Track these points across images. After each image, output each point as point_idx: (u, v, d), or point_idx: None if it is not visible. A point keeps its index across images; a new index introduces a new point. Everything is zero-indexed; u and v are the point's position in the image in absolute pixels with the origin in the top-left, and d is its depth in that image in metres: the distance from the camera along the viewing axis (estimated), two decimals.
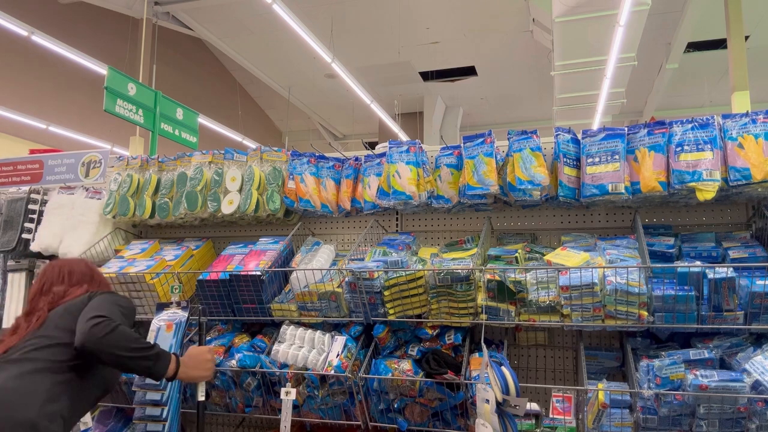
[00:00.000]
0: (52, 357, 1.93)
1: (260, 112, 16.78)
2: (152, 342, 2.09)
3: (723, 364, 2.07)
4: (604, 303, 2.07)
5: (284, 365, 2.40)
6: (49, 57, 9.37)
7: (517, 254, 2.36)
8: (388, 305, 2.33)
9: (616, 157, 2.26)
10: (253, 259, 2.65)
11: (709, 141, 2.15)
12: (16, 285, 3.18)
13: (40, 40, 8.36)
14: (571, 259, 2.17)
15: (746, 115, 2.18)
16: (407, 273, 2.29)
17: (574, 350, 2.56)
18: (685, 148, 2.18)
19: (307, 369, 2.36)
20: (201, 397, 2.27)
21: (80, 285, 2.18)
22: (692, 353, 2.03)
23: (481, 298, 2.22)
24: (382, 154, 2.73)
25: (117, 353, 1.87)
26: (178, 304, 2.51)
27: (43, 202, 3.27)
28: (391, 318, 2.34)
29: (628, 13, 7.14)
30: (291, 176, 2.80)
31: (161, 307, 2.52)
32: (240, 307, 2.60)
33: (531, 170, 2.33)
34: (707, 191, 2.11)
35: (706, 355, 2.02)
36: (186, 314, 2.43)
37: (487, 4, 10.37)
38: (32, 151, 4.03)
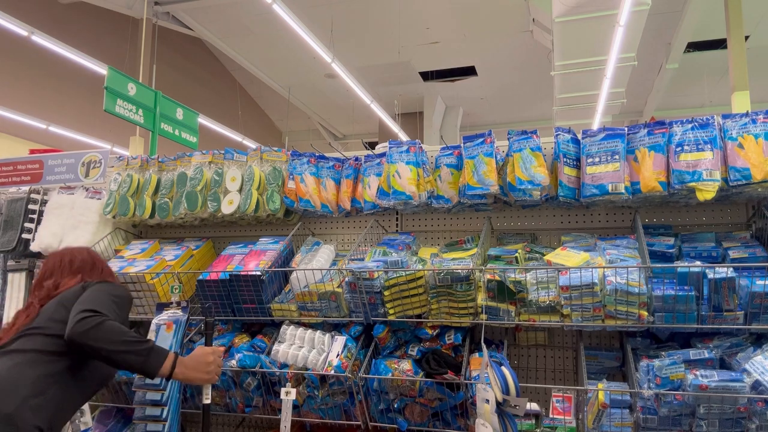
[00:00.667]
0: (42, 347, 1.89)
1: (260, 112, 16.78)
2: (148, 339, 2.00)
3: (723, 364, 2.07)
4: (604, 303, 2.07)
5: (284, 365, 2.40)
6: (49, 57, 9.37)
7: (517, 254, 2.36)
8: (388, 305, 2.33)
9: (616, 157, 2.26)
10: (253, 259, 2.65)
11: (709, 141, 2.15)
12: (16, 285, 3.18)
13: (40, 40, 8.36)
14: (571, 259, 2.17)
15: (746, 115, 2.18)
16: (407, 273, 2.29)
17: (574, 350, 2.56)
18: (685, 148, 2.18)
19: (307, 369, 2.36)
20: (206, 400, 2.15)
21: (76, 275, 2.14)
22: (692, 353, 2.03)
23: (481, 298, 2.22)
24: (382, 154, 2.73)
25: (104, 347, 1.81)
26: (178, 304, 2.51)
27: (43, 202, 3.27)
28: (391, 318, 2.34)
29: (628, 13, 7.14)
30: (291, 176, 2.80)
31: (161, 307, 2.52)
32: (240, 307, 2.60)
33: (531, 170, 2.33)
34: (707, 191, 2.11)
35: (706, 355, 2.02)
36: (186, 314, 2.43)
37: (487, 4, 10.37)
38: (32, 151, 4.03)
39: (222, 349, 2.19)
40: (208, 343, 2.22)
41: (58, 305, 1.99)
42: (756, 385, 1.87)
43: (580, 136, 2.40)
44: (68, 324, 1.85)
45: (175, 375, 1.94)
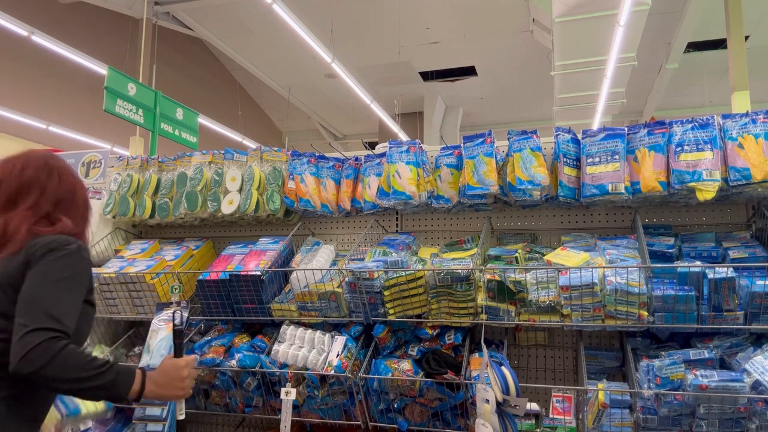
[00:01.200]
0: None
1: (260, 112, 16.78)
2: (110, 360, 1.59)
3: (723, 364, 2.07)
4: (604, 303, 2.07)
5: (284, 365, 2.40)
6: (49, 57, 9.37)
7: (517, 254, 2.36)
8: (388, 305, 2.33)
9: (616, 157, 2.26)
10: (253, 259, 2.65)
11: (709, 141, 2.15)
12: None
13: (40, 40, 8.36)
14: (571, 259, 2.17)
15: (746, 115, 2.18)
16: (407, 273, 2.29)
17: (574, 350, 2.56)
18: (685, 148, 2.18)
19: (307, 369, 2.36)
20: (180, 416, 1.91)
21: (23, 202, 1.68)
22: (692, 353, 2.03)
23: (481, 298, 2.22)
24: (382, 154, 2.73)
25: (62, 386, 1.50)
26: (178, 304, 2.51)
27: None
28: (391, 318, 2.34)
29: (628, 13, 7.14)
30: (291, 176, 2.80)
31: (161, 307, 2.53)
32: (240, 307, 2.60)
33: (531, 170, 2.33)
34: (707, 191, 2.11)
35: (706, 355, 2.02)
36: (186, 314, 2.43)
37: (487, 4, 10.38)
38: None
39: (194, 358, 1.88)
40: (177, 354, 1.86)
41: None
42: (756, 385, 1.87)
43: (580, 136, 2.40)
44: (13, 351, 1.46)
45: (146, 395, 1.66)
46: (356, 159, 2.88)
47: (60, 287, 1.56)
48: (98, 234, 3.09)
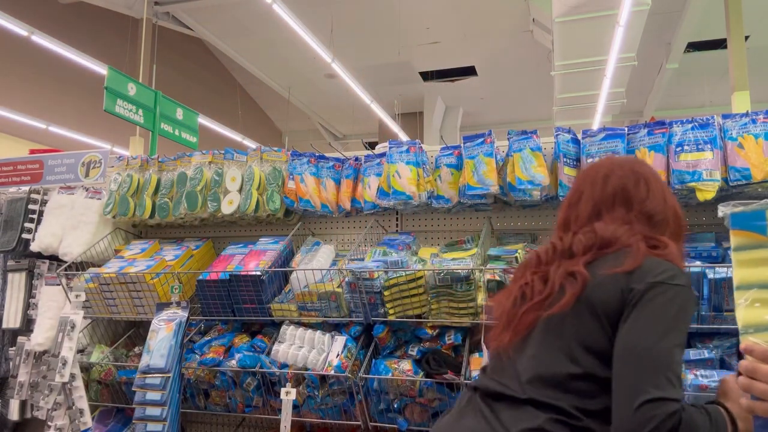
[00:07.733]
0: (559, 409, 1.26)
1: (260, 112, 16.78)
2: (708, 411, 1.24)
3: (723, 364, 2.06)
4: None
5: (284, 365, 2.40)
6: (49, 57, 9.36)
7: (517, 254, 2.36)
8: (388, 305, 2.33)
9: None
10: (253, 259, 2.65)
11: (709, 141, 2.15)
12: (16, 285, 3.18)
13: (40, 40, 8.36)
14: None
15: (746, 115, 2.18)
16: (407, 273, 2.29)
17: None
18: (685, 148, 2.18)
19: (307, 369, 2.36)
20: None
21: (607, 214, 1.49)
22: (692, 353, 2.03)
23: (481, 298, 2.22)
24: (382, 154, 2.73)
25: None
26: (178, 304, 2.52)
27: (43, 202, 3.27)
28: (391, 318, 2.34)
29: (628, 13, 7.14)
30: (291, 176, 2.80)
31: (161, 307, 2.53)
32: (240, 307, 2.60)
33: (531, 170, 2.33)
34: (707, 191, 2.11)
35: (706, 355, 2.02)
36: (186, 314, 2.43)
37: (487, 4, 10.38)
38: (32, 151, 4.03)
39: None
40: None
41: (579, 325, 1.31)
42: None
43: (580, 136, 2.40)
44: (621, 410, 1.19)
45: None
46: (356, 159, 2.88)
47: (674, 339, 1.23)
48: (98, 234, 3.09)
